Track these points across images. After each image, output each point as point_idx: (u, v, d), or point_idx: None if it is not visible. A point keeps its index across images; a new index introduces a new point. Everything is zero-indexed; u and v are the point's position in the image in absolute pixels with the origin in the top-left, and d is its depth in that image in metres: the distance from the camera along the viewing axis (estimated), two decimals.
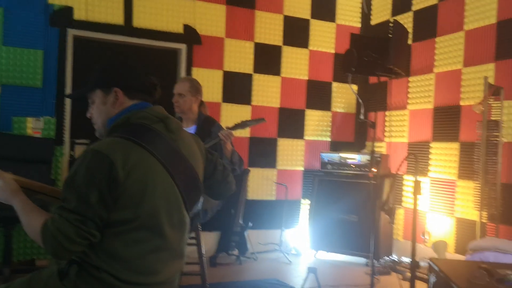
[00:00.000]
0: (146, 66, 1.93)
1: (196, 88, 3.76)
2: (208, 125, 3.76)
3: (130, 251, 1.65)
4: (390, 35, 4.38)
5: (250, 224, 5.16)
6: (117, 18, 4.90)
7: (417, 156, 2.89)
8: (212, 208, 3.64)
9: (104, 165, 1.60)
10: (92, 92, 1.85)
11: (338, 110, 6.05)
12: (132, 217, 1.64)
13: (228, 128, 3.54)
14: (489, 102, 4.34)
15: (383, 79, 4.53)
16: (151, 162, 1.70)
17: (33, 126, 4.53)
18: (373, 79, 5.90)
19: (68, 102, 4.69)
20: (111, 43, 4.96)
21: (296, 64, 5.77)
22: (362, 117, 4.15)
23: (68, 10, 4.69)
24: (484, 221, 4.31)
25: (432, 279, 2.88)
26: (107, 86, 1.82)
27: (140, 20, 4.99)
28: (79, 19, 4.74)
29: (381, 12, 5.88)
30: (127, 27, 4.94)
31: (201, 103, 3.85)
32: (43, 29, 4.60)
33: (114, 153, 1.63)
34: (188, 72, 5.20)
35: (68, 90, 4.68)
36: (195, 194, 1.88)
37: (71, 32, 4.72)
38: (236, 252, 5.08)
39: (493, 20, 4.50)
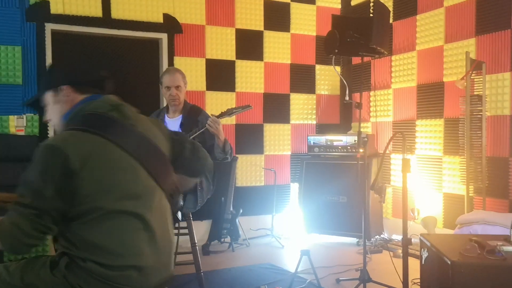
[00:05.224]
0: (98, 60, 1.97)
1: (185, 77, 3.78)
2: (194, 114, 3.75)
3: (106, 236, 1.67)
4: (372, 15, 4.37)
5: (241, 210, 5.17)
6: (95, 10, 4.82)
7: (404, 135, 2.90)
8: (203, 197, 3.64)
9: (58, 159, 1.63)
10: (44, 96, 1.89)
11: (323, 92, 6.05)
12: (99, 204, 1.66)
13: (214, 116, 3.53)
14: (472, 77, 4.38)
15: (366, 59, 4.52)
16: (108, 148, 1.72)
17: (16, 124, 4.46)
18: (356, 60, 5.92)
19: None
20: (90, 36, 4.88)
21: (278, 48, 5.75)
22: (347, 98, 4.15)
23: (45, 4, 4.60)
24: (471, 195, 4.37)
25: (424, 254, 2.92)
26: (55, 85, 1.86)
27: (118, 11, 4.92)
28: (56, 13, 4.66)
29: None
30: (106, 19, 4.86)
31: None
32: (20, 25, 4.51)
33: (67, 146, 1.65)
34: (171, 61, 5.15)
35: None
36: (164, 171, 1.89)
37: (49, 27, 4.64)
38: (228, 239, 5.09)
39: None
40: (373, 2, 4.52)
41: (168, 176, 1.91)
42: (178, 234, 3.20)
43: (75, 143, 1.67)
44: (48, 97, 1.88)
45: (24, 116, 4.51)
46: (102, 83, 1.92)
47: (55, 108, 1.87)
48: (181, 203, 2.01)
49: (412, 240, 2.75)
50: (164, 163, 1.89)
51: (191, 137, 3.52)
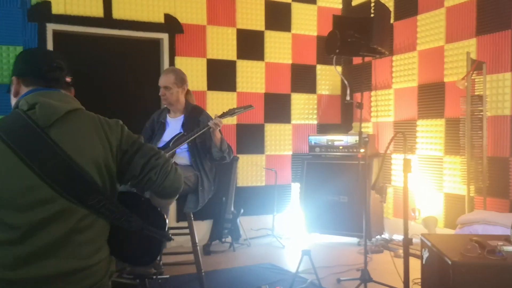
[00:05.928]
0: (54, 52, 1.88)
1: (181, 78, 3.75)
2: (196, 114, 3.76)
3: None
4: (372, 15, 4.37)
5: (242, 210, 5.18)
6: (97, 10, 4.84)
7: (405, 135, 2.91)
8: (204, 197, 3.65)
9: None
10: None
11: (324, 92, 6.06)
12: None
13: (216, 116, 3.55)
14: (472, 77, 4.39)
15: (367, 59, 4.53)
16: (1, 153, 1.62)
17: None
18: (356, 60, 5.92)
19: None
20: (92, 36, 4.89)
21: (279, 48, 5.75)
22: (348, 98, 4.15)
23: (46, 4, 4.61)
24: (472, 195, 4.38)
25: (425, 254, 2.93)
26: (12, 76, 1.86)
27: (120, 12, 4.93)
28: (58, 13, 4.67)
29: None
30: (107, 19, 4.87)
31: (187, 92, 3.85)
32: (21, 25, 4.52)
33: None
34: (172, 61, 5.16)
35: None
36: (75, 182, 1.66)
37: (50, 27, 4.65)
38: (229, 239, 5.10)
39: None
40: (374, 2, 4.52)
41: (83, 189, 1.66)
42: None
43: None
44: (11, 87, 1.86)
45: None
46: (46, 75, 1.80)
47: (12, 99, 1.85)
48: (137, 220, 1.76)
49: (413, 240, 2.75)
50: (76, 174, 1.65)
51: (192, 137, 3.54)
